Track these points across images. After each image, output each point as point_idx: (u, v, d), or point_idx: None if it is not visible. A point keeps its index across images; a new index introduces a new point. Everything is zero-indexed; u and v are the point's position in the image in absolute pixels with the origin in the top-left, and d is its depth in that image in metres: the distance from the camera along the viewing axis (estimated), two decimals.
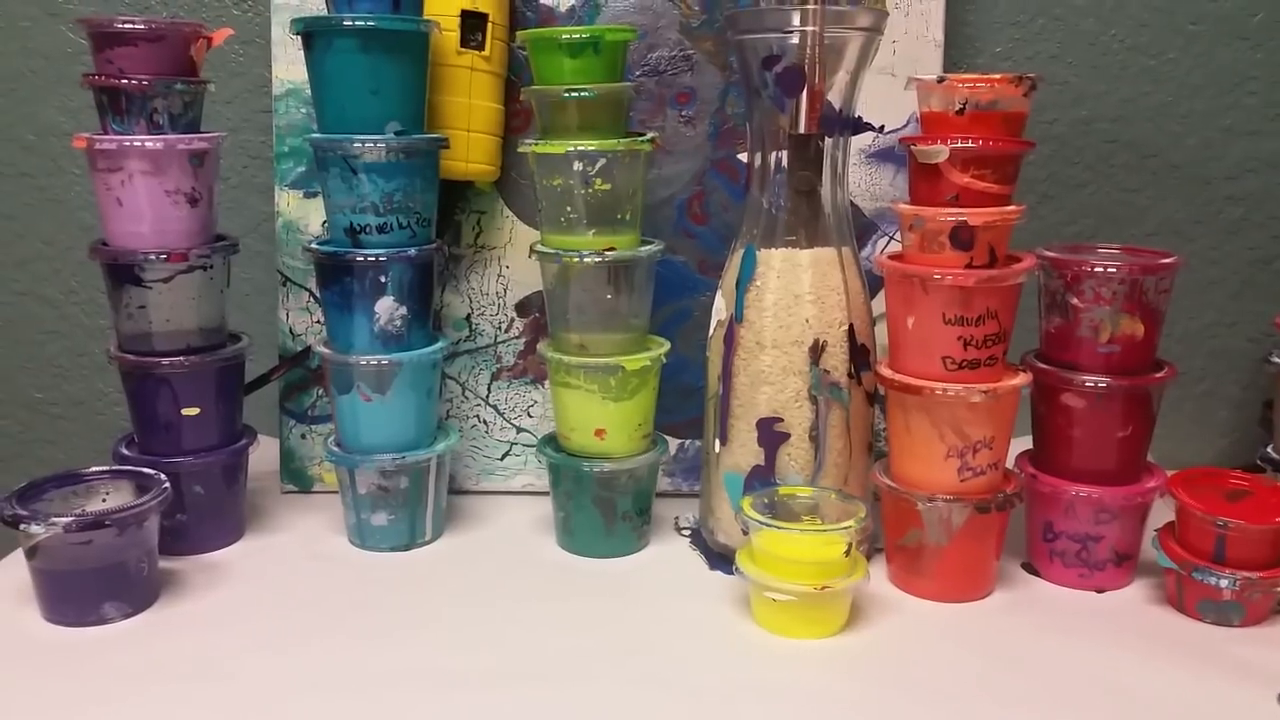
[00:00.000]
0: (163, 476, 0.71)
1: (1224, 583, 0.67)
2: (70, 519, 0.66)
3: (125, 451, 0.77)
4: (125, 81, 0.72)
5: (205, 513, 0.77)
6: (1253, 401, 0.99)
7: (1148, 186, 0.97)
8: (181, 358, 0.75)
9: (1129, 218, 0.97)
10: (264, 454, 0.85)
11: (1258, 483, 0.73)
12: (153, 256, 0.73)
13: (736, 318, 0.74)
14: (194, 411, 0.76)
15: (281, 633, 0.67)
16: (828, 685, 0.61)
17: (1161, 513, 0.73)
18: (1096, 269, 0.71)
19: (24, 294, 0.99)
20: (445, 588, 0.73)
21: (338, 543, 0.80)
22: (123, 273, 0.74)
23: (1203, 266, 0.98)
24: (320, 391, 0.88)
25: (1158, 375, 0.73)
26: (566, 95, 0.72)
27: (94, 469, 0.73)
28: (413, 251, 0.75)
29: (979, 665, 0.64)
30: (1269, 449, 0.82)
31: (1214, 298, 0.99)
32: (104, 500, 0.72)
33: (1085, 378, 0.72)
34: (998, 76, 0.67)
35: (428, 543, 0.80)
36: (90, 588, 0.67)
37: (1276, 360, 0.80)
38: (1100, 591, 0.73)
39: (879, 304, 0.75)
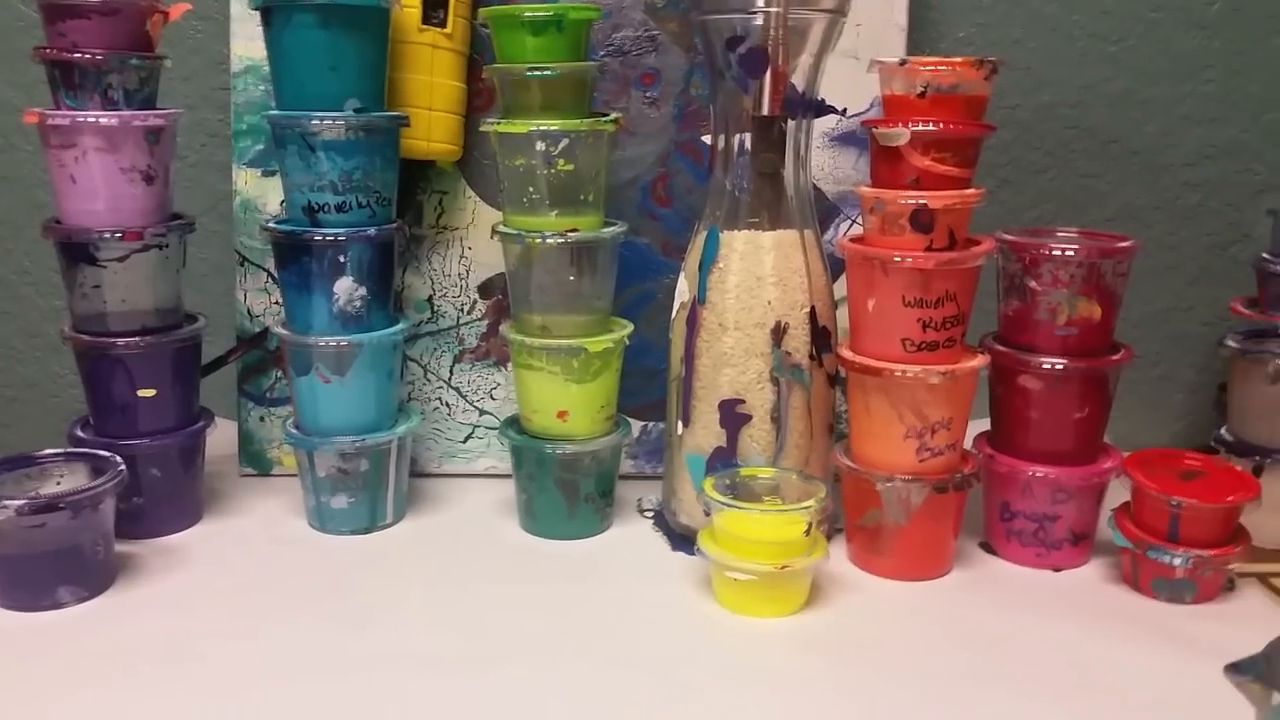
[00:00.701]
0: (118, 459, 0.70)
1: (1177, 561, 0.69)
2: (23, 502, 0.65)
3: (80, 434, 0.76)
4: (78, 56, 0.70)
5: (162, 495, 0.77)
6: (1208, 385, 1.00)
7: (1107, 172, 0.98)
8: (137, 338, 0.74)
9: (1089, 203, 0.98)
10: (222, 437, 0.84)
11: (1211, 463, 0.75)
12: (108, 235, 0.72)
13: (699, 300, 0.74)
14: (150, 393, 0.75)
15: (242, 617, 0.66)
16: (789, 663, 0.62)
17: (1117, 493, 0.74)
18: (1054, 252, 0.71)
19: None
20: (407, 571, 0.73)
21: (298, 526, 0.79)
22: (77, 251, 0.73)
23: (1160, 252, 0.99)
24: (279, 373, 0.87)
25: (1114, 358, 0.73)
26: (529, 74, 0.72)
27: (48, 451, 0.72)
28: (372, 231, 0.74)
29: (938, 642, 0.64)
30: (1223, 431, 0.84)
31: (1171, 282, 1.00)
32: (58, 483, 0.71)
33: (1043, 360, 0.72)
34: (959, 60, 0.68)
35: (389, 526, 0.79)
36: (44, 572, 0.66)
37: (1231, 344, 0.82)
38: (1057, 570, 0.74)
39: (841, 287, 0.76)
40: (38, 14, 0.72)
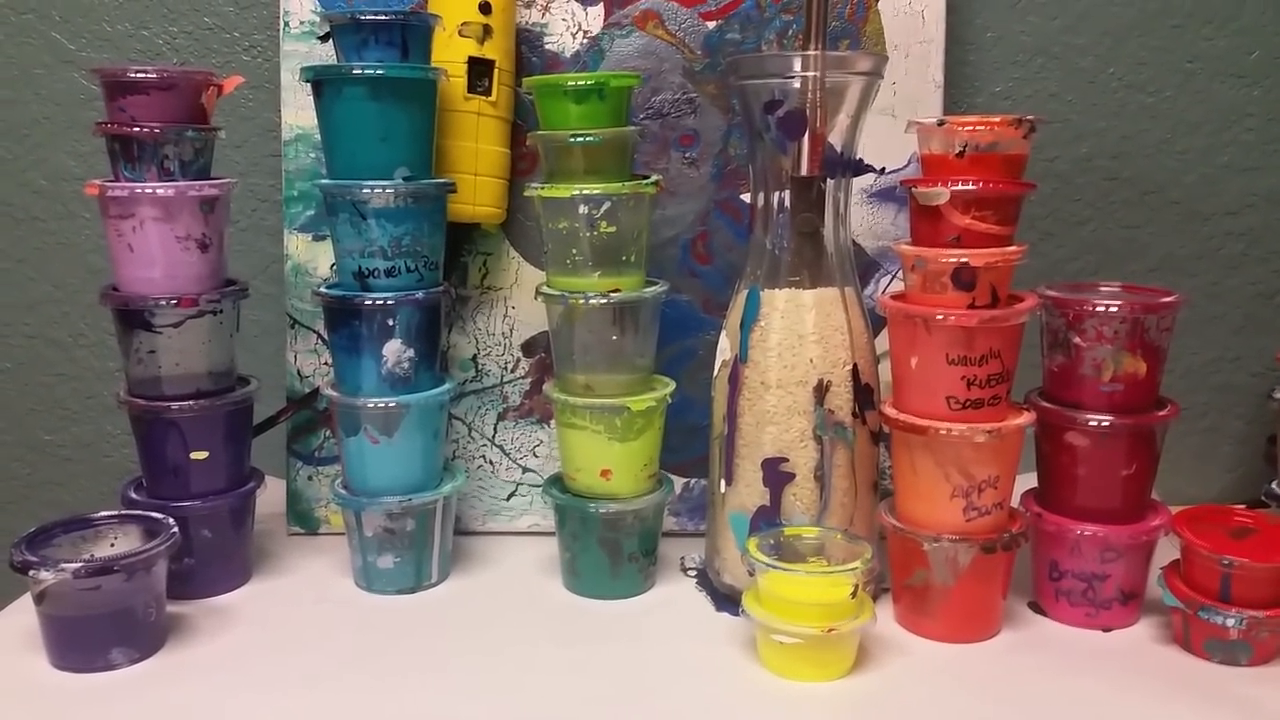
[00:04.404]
0: (171, 521, 0.72)
1: (1230, 621, 0.67)
2: (79, 564, 0.66)
3: (133, 495, 0.78)
4: (137, 129, 0.73)
5: (212, 556, 0.78)
6: (1256, 436, 0.99)
7: (1148, 222, 0.98)
8: (191, 402, 0.76)
9: (1131, 253, 0.98)
10: (270, 495, 0.85)
11: (1262, 520, 0.73)
12: (163, 302, 0.74)
13: (741, 358, 0.75)
14: (202, 455, 0.77)
15: (289, 678, 0.67)
16: None
17: (1167, 550, 0.73)
18: (1098, 308, 0.71)
19: (33, 337, 1.00)
20: (452, 632, 0.73)
21: (344, 585, 0.80)
22: (133, 318, 0.75)
23: (1205, 302, 0.98)
24: (327, 433, 0.88)
25: (1161, 414, 0.73)
26: (572, 140, 0.73)
27: (102, 513, 0.74)
28: (420, 295, 0.76)
29: (987, 707, 0.64)
30: (1273, 484, 0.82)
31: (1216, 333, 0.99)
32: (112, 545, 0.73)
33: (1089, 416, 0.72)
34: (997, 119, 0.68)
35: (434, 585, 0.80)
36: (98, 633, 0.67)
37: (1279, 396, 0.81)
38: (1107, 630, 0.73)
39: (882, 341, 0.76)
40: (98, 88, 0.75)
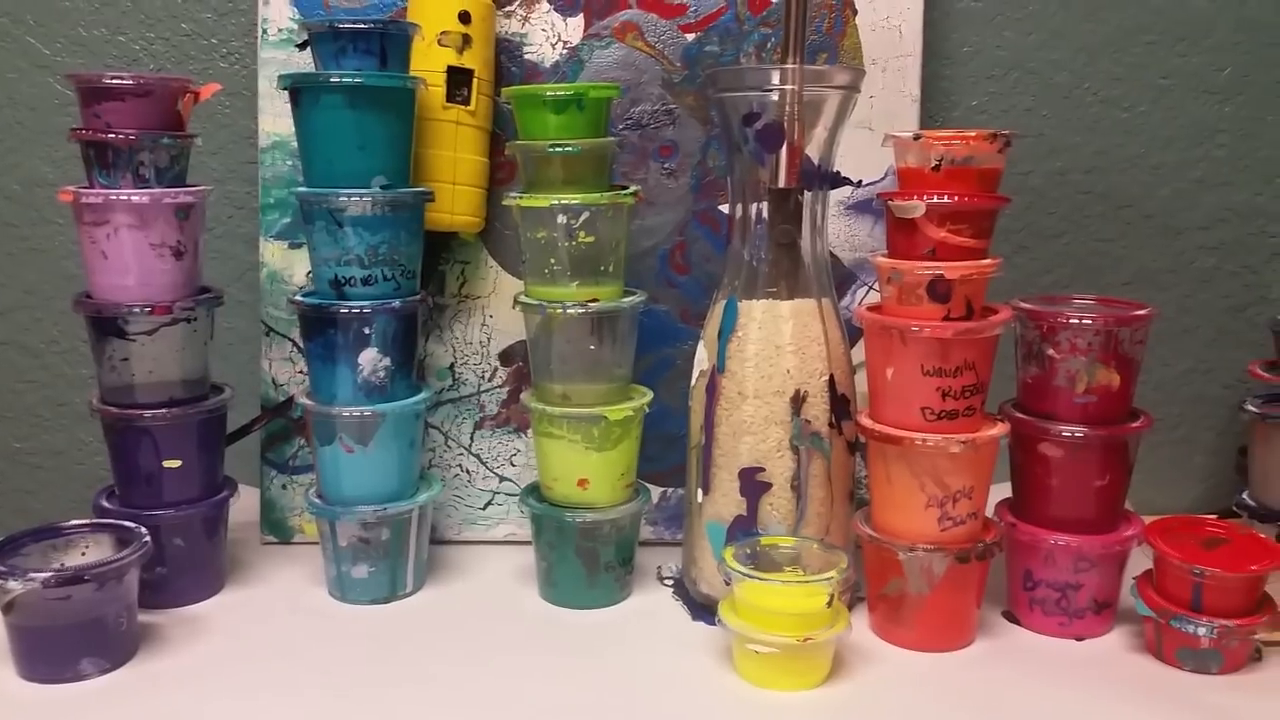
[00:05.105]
0: (143, 530, 0.71)
1: (1202, 630, 0.68)
2: (49, 574, 0.65)
3: (105, 504, 0.77)
4: (112, 136, 0.72)
5: (185, 565, 0.77)
6: (1228, 448, 1.00)
7: (1122, 236, 0.99)
8: (164, 410, 0.75)
9: (1104, 267, 0.99)
10: (244, 504, 0.84)
11: (1233, 530, 0.74)
12: (137, 309, 0.73)
13: (719, 368, 0.75)
14: (176, 464, 0.76)
15: (261, 688, 0.66)
16: None
17: (1140, 560, 0.74)
18: (1072, 321, 0.72)
19: (5, 343, 0.99)
20: (426, 642, 0.73)
21: (318, 595, 0.79)
22: (106, 325, 0.74)
23: (1178, 315, 0.99)
24: (302, 442, 0.88)
25: (1134, 425, 0.74)
26: (551, 150, 0.73)
27: (74, 522, 0.73)
28: (397, 303, 0.75)
29: (961, 716, 0.64)
30: (1244, 495, 0.83)
31: (1189, 345, 1.00)
32: (84, 554, 0.72)
33: (1062, 427, 0.73)
34: (973, 133, 0.69)
35: (408, 595, 0.79)
36: (68, 644, 0.66)
37: (1251, 409, 0.82)
38: (1080, 640, 0.74)
39: (858, 353, 0.76)
40: (73, 93, 0.74)
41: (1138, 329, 0.73)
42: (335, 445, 0.77)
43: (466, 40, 0.80)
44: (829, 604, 0.67)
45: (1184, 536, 0.73)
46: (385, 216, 0.74)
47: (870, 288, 0.88)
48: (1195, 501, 1.00)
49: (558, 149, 0.73)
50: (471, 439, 0.89)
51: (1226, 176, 0.98)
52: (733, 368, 0.74)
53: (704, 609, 0.76)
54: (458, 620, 0.76)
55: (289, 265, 0.87)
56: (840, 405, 0.75)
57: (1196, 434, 1.01)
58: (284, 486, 0.88)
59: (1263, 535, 0.74)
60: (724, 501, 0.75)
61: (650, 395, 0.79)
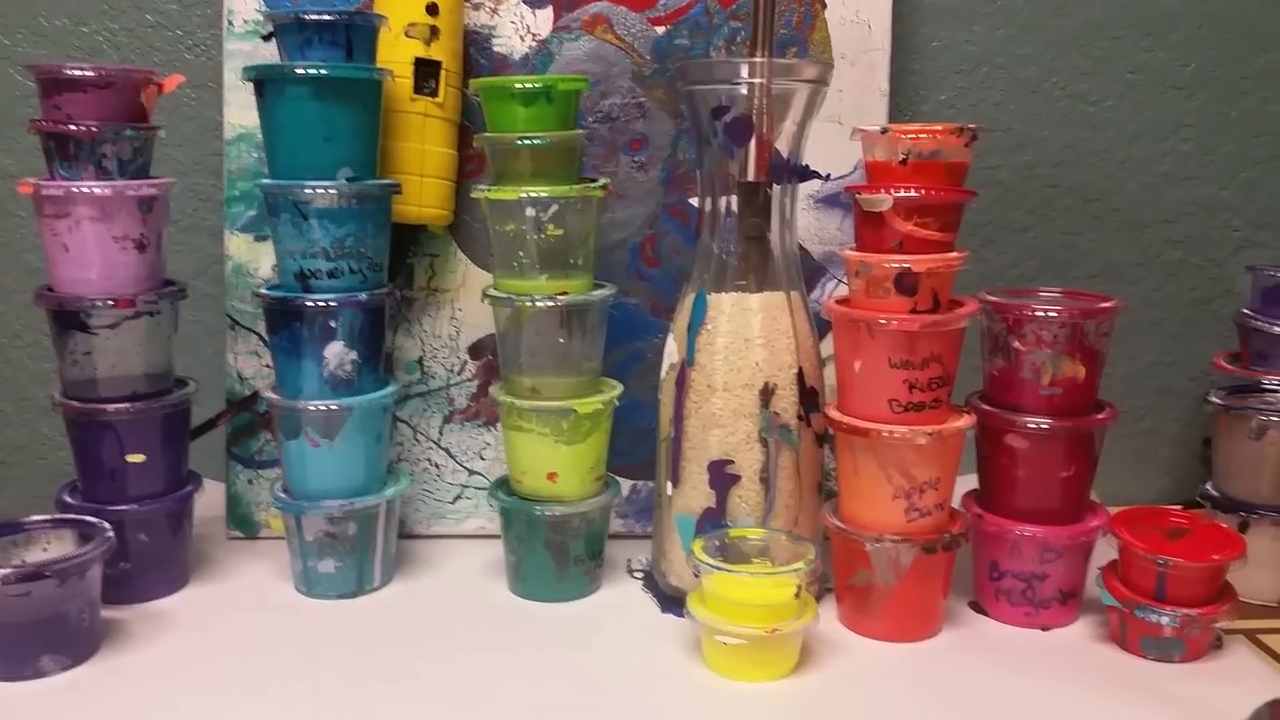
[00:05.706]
0: (106, 525, 0.70)
1: (1165, 620, 0.69)
2: (8, 570, 0.64)
3: (68, 499, 0.76)
4: (74, 128, 0.71)
5: (149, 561, 0.76)
6: (1193, 439, 1.01)
7: (1089, 230, 0.99)
8: (127, 404, 0.74)
9: (1071, 260, 1.00)
10: (209, 499, 0.83)
11: (1197, 521, 0.75)
12: (99, 303, 0.73)
13: (688, 361, 0.75)
14: (139, 458, 0.75)
15: (227, 684, 0.66)
16: None
17: (1105, 551, 0.75)
18: (1038, 313, 0.72)
19: None
20: (394, 637, 0.72)
21: (284, 590, 0.79)
22: (68, 319, 0.73)
23: (1144, 307, 1.00)
24: (267, 436, 0.87)
25: (1099, 417, 0.74)
26: (519, 143, 0.73)
27: (35, 518, 0.72)
28: (363, 297, 0.75)
29: (929, 706, 0.64)
30: (1208, 485, 0.84)
31: (1155, 338, 1.01)
32: (45, 550, 0.71)
33: (1028, 419, 0.73)
34: (940, 127, 0.69)
35: (376, 589, 0.79)
36: (27, 641, 0.66)
37: (1215, 400, 0.83)
38: (1045, 629, 0.74)
39: (827, 346, 0.76)
40: (34, 84, 0.73)
41: (1103, 322, 0.73)
42: (301, 439, 0.76)
43: (434, 32, 0.79)
44: (797, 595, 0.67)
45: (1148, 527, 0.73)
46: (351, 209, 0.73)
47: (839, 282, 0.89)
48: (1161, 493, 1.01)
49: (526, 141, 0.73)
50: (441, 433, 0.89)
51: (1192, 171, 0.99)
52: (702, 361, 0.74)
53: (673, 601, 0.76)
54: (426, 614, 0.75)
55: (254, 258, 0.86)
56: (809, 398, 0.75)
57: (1162, 426, 1.03)
58: (250, 481, 0.88)
59: (1225, 525, 0.75)
60: (693, 494, 0.75)
61: (620, 389, 0.79)
